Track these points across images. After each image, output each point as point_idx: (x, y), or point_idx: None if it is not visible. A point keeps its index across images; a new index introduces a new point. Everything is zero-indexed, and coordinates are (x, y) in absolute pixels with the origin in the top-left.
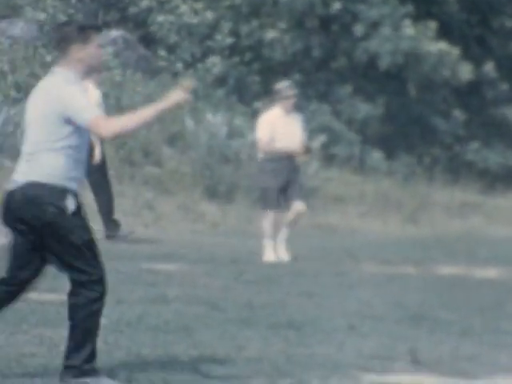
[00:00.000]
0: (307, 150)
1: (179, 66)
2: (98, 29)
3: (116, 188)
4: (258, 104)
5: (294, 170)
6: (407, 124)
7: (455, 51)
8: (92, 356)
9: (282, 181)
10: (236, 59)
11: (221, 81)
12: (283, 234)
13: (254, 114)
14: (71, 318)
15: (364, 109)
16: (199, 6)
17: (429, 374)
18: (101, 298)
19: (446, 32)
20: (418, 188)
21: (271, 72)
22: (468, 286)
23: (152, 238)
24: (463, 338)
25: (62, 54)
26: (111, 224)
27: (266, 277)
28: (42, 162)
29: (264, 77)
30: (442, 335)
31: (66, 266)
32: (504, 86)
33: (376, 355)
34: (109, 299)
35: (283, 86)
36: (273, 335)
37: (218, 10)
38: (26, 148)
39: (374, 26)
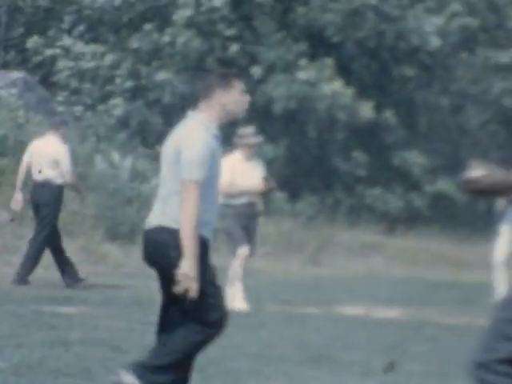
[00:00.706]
0: (269, 188)
1: (79, 108)
2: (239, 75)
3: (17, 231)
4: (159, 147)
5: (253, 217)
6: (309, 165)
7: (349, 91)
8: None
9: (243, 225)
10: (138, 101)
11: (123, 123)
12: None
13: (157, 157)
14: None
15: (266, 150)
16: (100, 49)
17: None
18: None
19: (345, 75)
20: (320, 229)
21: (173, 114)
22: (369, 327)
23: (53, 281)
24: (365, 379)
25: (204, 99)
26: (31, 266)
27: None
28: (173, 206)
29: (166, 119)
30: (344, 376)
31: (183, 312)
32: (402, 132)
33: None
34: (9, 342)
35: (247, 132)
36: None
37: (118, 52)
38: (161, 191)
39: (271, 68)
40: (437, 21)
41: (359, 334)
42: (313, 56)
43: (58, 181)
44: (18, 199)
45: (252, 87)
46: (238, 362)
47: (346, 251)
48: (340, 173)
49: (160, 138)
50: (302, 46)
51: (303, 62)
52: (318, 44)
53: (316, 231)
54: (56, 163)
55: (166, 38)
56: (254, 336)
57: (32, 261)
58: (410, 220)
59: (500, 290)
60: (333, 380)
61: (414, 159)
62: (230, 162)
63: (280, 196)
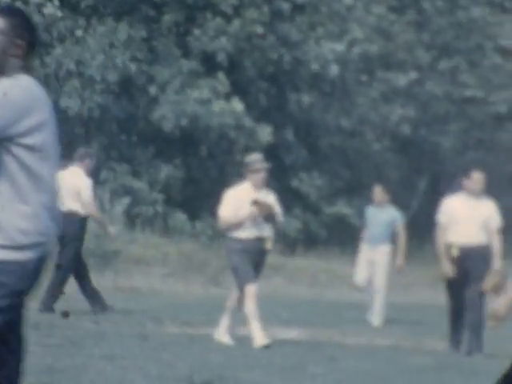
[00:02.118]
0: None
1: None
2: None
3: None
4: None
5: (262, 253)
6: (209, 185)
7: (240, 106)
8: None
9: (251, 261)
10: None
11: None
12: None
13: None
14: None
15: (165, 170)
16: None
17: None
18: None
19: (243, 98)
20: (221, 250)
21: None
22: (270, 347)
23: None
24: None
25: None
26: (52, 298)
27: (67, 340)
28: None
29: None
30: None
31: None
32: (301, 154)
33: None
34: None
35: (254, 158)
36: None
37: None
38: None
39: (164, 87)
40: (337, 47)
41: (260, 355)
42: (207, 75)
43: (82, 212)
44: None
45: (148, 107)
46: (138, 383)
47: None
48: None
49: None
50: (197, 66)
51: (198, 81)
52: (214, 65)
53: (217, 252)
54: (78, 195)
55: None
56: (154, 357)
57: (58, 289)
58: (309, 241)
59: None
60: None
61: (313, 181)
62: (236, 193)
63: (180, 216)
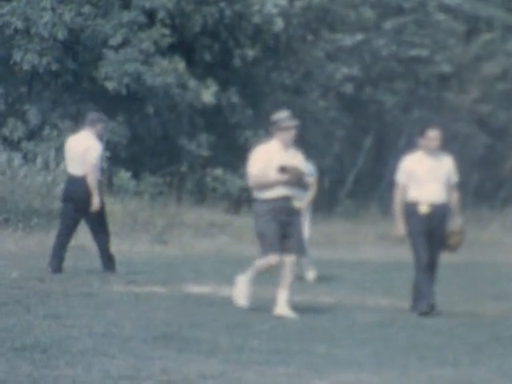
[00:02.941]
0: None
1: None
2: None
3: None
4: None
5: (291, 213)
6: (154, 145)
7: (182, 65)
8: None
9: (280, 224)
10: None
11: None
12: (285, 292)
13: None
14: None
15: (109, 127)
16: None
17: None
18: None
19: (186, 53)
20: (166, 208)
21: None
22: (215, 305)
23: None
24: (210, 356)
25: None
26: (109, 260)
27: (13, 299)
28: None
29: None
30: (190, 354)
31: None
32: (247, 112)
33: (124, 376)
34: None
35: (281, 116)
36: (18, 358)
37: None
38: None
39: (106, 41)
40: (279, 1)
41: (206, 313)
42: (149, 28)
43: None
44: None
45: (93, 66)
46: (84, 341)
47: (192, 230)
48: (185, 153)
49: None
50: (138, 18)
51: (140, 34)
52: (155, 21)
53: (162, 210)
54: (84, 157)
55: None
56: (100, 315)
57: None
58: (252, 200)
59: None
60: (179, 358)
61: (258, 139)
62: (264, 151)
63: (124, 175)
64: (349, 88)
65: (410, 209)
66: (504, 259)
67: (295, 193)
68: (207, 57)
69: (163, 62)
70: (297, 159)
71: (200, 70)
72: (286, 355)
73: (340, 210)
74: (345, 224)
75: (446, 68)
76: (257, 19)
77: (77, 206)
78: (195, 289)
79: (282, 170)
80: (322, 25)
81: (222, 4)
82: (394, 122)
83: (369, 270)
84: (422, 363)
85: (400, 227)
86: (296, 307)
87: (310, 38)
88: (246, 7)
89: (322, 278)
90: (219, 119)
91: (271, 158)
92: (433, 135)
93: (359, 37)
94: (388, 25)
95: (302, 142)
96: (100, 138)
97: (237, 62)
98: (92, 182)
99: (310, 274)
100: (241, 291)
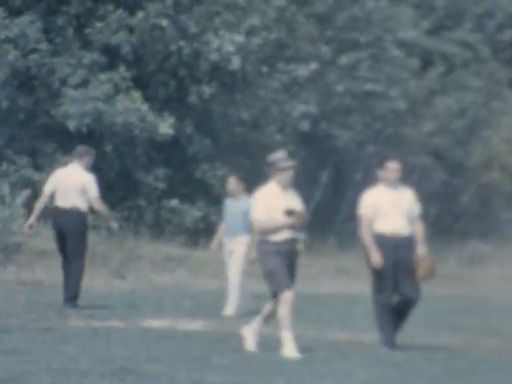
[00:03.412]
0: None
1: None
2: None
3: None
4: None
5: (294, 256)
6: (112, 180)
7: (145, 106)
8: None
9: (286, 264)
10: None
11: None
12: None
13: None
14: None
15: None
16: None
17: None
18: None
19: (143, 91)
20: (124, 242)
21: None
22: (174, 339)
23: None
24: None
25: None
26: (75, 296)
27: None
28: None
29: None
30: None
31: None
32: (203, 145)
33: None
34: None
35: (278, 156)
36: None
37: None
38: None
39: (65, 80)
40: (237, 38)
41: (164, 347)
42: (109, 68)
43: (85, 208)
44: (33, 225)
45: (51, 102)
46: (41, 377)
47: (150, 264)
48: (142, 186)
49: None
50: (98, 58)
51: (100, 75)
52: (116, 58)
53: (120, 244)
54: (83, 191)
55: None
56: (57, 351)
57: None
58: (210, 232)
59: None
60: None
61: (215, 172)
62: (264, 195)
63: None
64: (305, 125)
65: (376, 242)
66: (460, 292)
67: (298, 235)
68: (164, 92)
69: (124, 102)
70: (296, 200)
71: (157, 104)
72: None
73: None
74: (303, 257)
75: (401, 105)
76: (214, 57)
77: (64, 236)
78: (154, 323)
79: (289, 213)
80: (278, 58)
81: (181, 42)
82: (350, 157)
83: (327, 303)
84: None
85: (376, 256)
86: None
87: (265, 69)
88: (203, 45)
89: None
90: (176, 152)
91: (272, 202)
92: (392, 167)
93: (314, 66)
94: (343, 60)
95: (258, 176)
96: (88, 170)
97: (193, 97)
98: (103, 211)
99: (231, 308)
100: (288, 346)
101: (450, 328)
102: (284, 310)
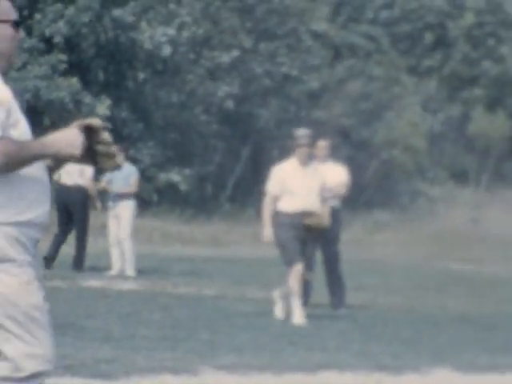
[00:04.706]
0: (319, 225)
1: None
2: None
3: None
4: None
5: (309, 229)
6: None
7: (77, 83)
8: None
9: (300, 236)
10: None
11: None
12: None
13: None
14: None
15: None
16: None
17: (72, 377)
18: None
19: (82, 73)
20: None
21: None
22: (109, 297)
23: None
24: (104, 343)
25: None
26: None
27: None
28: None
29: None
30: (86, 341)
31: None
32: (138, 126)
33: None
34: None
35: (299, 133)
36: None
37: None
38: None
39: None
40: (169, 31)
41: (100, 304)
42: (47, 53)
43: (85, 185)
44: None
45: None
46: None
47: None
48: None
49: None
50: (37, 44)
51: (39, 59)
52: (53, 46)
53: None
54: (82, 171)
55: None
56: None
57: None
58: (143, 204)
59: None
60: (76, 345)
61: (148, 150)
62: (281, 169)
63: None
64: (229, 104)
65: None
66: (364, 255)
67: (316, 207)
68: (102, 77)
69: (59, 80)
70: (315, 176)
71: (95, 88)
72: (173, 342)
73: (221, 212)
74: (225, 225)
75: (314, 85)
76: (148, 45)
77: (70, 210)
78: (91, 283)
79: (304, 215)
80: (205, 47)
81: (118, 30)
82: (268, 135)
83: (246, 265)
84: (293, 348)
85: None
86: (183, 299)
87: (192, 56)
88: (138, 34)
89: (205, 273)
90: (112, 132)
91: (288, 176)
92: (322, 145)
93: (236, 53)
94: (262, 47)
95: (186, 153)
96: None
97: (129, 82)
98: (92, 190)
99: (130, 269)
100: (297, 313)
101: (354, 287)
102: (294, 281)
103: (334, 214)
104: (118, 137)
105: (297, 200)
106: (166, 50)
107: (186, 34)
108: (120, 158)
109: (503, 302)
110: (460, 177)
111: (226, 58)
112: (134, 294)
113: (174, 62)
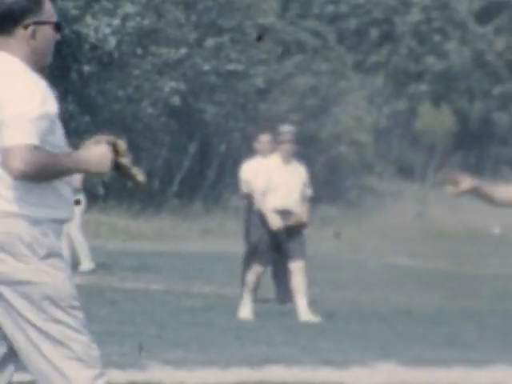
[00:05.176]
0: (299, 223)
1: None
2: None
3: None
4: None
5: (288, 229)
6: None
7: None
8: None
9: (279, 236)
10: None
11: None
12: (303, 299)
13: None
14: None
15: None
16: None
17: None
18: None
19: None
20: None
21: None
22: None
23: None
24: None
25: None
26: None
27: None
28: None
29: None
30: None
31: None
32: (85, 119)
33: None
34: None
35: (282, 129)
36: None
37: None
38: None
39: None
40: (113, 22)
41: None
42: None
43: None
44: None
45: None
46: None
47: None
48: None
49: None
50: None
51: None
52: None
53: None
54: None
55: None
56: None
57: None
58: (90, 198)
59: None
60: None
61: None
62: (263, 166)
63: None
64: (176, 100)
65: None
66: (311, 251)
67: (295, 206)
68: (46, 70)
69: None
70: (297, 173)
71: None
72: (120, 337)
73: (168, 207)
74: (172, 220)
75: (261, 80)
76: (92, 38)
77: None
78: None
79: (283, 213)
80: (151, 41)
81: (63, 23)
82: (215, 129)
83: (193, 260)
84: (239, 343)
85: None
86: (130, 294)
87: (139, 51)
88: (83, 27)
89: (152, 268)
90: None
91: (270, 172)
92: (263, 140)
93: (183, 51)
94: (209, 43)
95: (133, 147)
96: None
97: (74, 75)
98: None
99: (85, 264)
100: (244, 307)
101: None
102: (252, 277)
103: None
104: (65, 130)
105: (278, 198)
106: (112, 43)
107: (130, 24)
108: (140, 177)
109: (449, 297)
110: (406, 172)
111: (173, 54)
112: (81, 289)
113: (120, 54)
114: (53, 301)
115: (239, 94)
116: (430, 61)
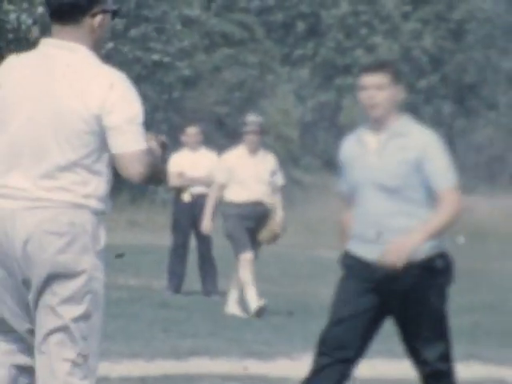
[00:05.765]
0: (273, 235)
1: None
2: None
3: None
4: None
5: (262, 218)
6: None
7: None
8: None
9: (249, 226)
10: None
11: None
12: (236, 292)
13: None
14: None
15: None
16: None
17: None
18: None
19: None
20: None
21: None
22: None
23: None
24: None
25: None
26: None
27: None
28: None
29: None
30: None
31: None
32: None
33: None
34: None
35: (247, 120)
36: None
37: None
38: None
39: None
40: (36, 10)
41: None
42: None
43: None
44: None
45: None
46: None
47: None
48: None
49: None
50: None
51: None
52: None
53: None
54: None
55: None
56: None
57: None
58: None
59: None
60: None
61: None
62: (228, 157)
63: None
64: None
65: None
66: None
67: (265, 196)
68: None
69: None
70: (264, 165)
71: None
72: None
73: None
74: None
75: (187, 72)
76: (14, 27)
77: None
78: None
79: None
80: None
81: None
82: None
83: (119, 252)
84: (165, 335)
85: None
86: None
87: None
88: (3, 15)
89: None
90: None
91: (235, 165)
92: (190, 132)
93: (110, 45)
94: (133, 32)
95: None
96: None
97: None
98: None
99: None
100: (252, 301)
101: (227, 275)
102: (245, 271)
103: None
104: None
105: (246, 189)
106: (35, 32)
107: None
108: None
109: None
110: (332, 165)
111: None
112: None
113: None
114: (96, 296)
115: (165, 85)
116: (357, 54)
